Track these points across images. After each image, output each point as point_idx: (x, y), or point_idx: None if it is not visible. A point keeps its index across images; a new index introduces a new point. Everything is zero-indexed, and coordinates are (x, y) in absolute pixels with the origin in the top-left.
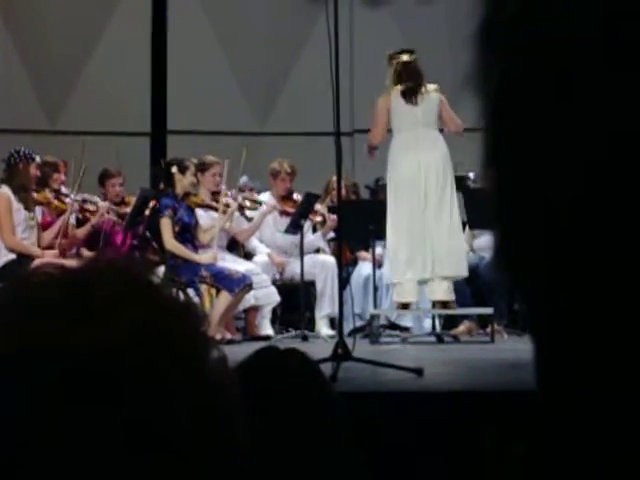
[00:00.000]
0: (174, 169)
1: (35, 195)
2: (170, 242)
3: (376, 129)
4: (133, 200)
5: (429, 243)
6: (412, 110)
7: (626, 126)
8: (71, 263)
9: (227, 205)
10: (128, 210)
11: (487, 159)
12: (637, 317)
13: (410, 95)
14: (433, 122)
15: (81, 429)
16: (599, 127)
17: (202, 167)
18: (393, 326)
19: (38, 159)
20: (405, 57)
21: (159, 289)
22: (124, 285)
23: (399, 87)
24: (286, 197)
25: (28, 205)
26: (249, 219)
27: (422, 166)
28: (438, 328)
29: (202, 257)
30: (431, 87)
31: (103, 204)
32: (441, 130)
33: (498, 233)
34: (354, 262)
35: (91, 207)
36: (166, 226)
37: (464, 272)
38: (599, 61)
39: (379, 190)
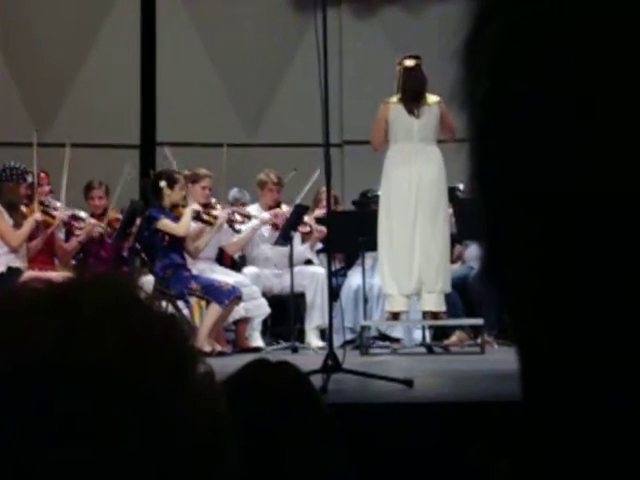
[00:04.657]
0: (162, 183)
1: (24, 210)
2: (183, 228)
3: (374, 138)
4: (113, 213)
5: (418, 258)
6: (409, 122)
7: (616, 141)
8: (58, 277)
9: (216, 217)
10: (104, 223)
11: (473, 172)
12: (631, 331)
13: (410, 104)
14: (430, 137)
15: (68, 446)
16: (586, 142)
17: (193, 179)
18: (383, 337)
19: (30, 179)
20: (408, 62)
21: (146, 303)
22: (110, 300)
23: (398, 95)
24: (274, 208)
25: (18, 222)
26: (237, 231)
27: (414, 181)
28: (428, 339)
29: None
30: (433, 99)
31: (90, 221)
32: (440, 141)
33: (485, 247)
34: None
35: (79, 223)
36: (168, 224)
37: (448, 288)
38: (588, 77)
39: (366, 203)
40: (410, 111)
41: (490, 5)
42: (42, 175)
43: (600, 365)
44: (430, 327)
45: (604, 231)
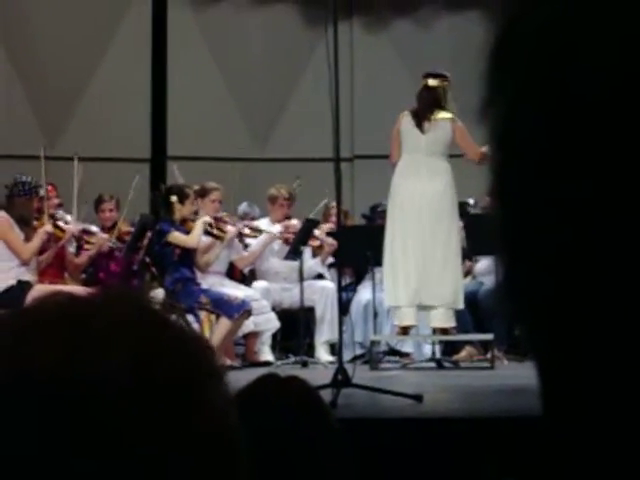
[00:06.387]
0: (173, 198)
1: (36, 224)
2: (194, 239)
3: (391, 150)
4: (123, 226)
5: (420, 270)
6: (417, 136)
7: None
8: (72, 290)
9: (225, 232)
10: (113, 237)
11: (493, 188)
12: None
13: (419, 119)
14: (439, 151)
15: (75, 459)
16: (610, 158)
17: (202, 193)
18: (393, 352)
19: (42, 192)
20: (430, 81)
21: (163, 317)
22: (128, 314)
23: (411, 109)
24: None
25: (29, 236)
26: (247, 246)
27: (418, 195)
28: (438, 354)
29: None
30: (444, 115)
31: (102, 236)
32: (459, 156)
33: (506, 258)
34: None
35: (90, 238)
36: (179, 236)
37: (459, 304)
38: (613, 92)
39: (376, 217)
40: (418, 125)
41: (511, 19)
42: (49, 188)
43: (630, 379)
44: (440, 342)
45: (635, 236)
